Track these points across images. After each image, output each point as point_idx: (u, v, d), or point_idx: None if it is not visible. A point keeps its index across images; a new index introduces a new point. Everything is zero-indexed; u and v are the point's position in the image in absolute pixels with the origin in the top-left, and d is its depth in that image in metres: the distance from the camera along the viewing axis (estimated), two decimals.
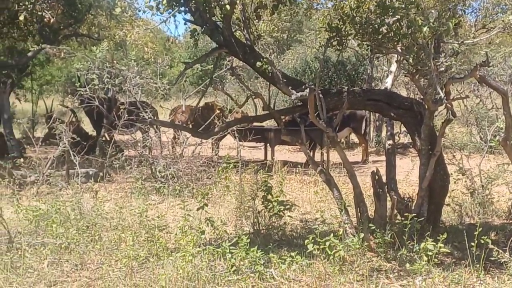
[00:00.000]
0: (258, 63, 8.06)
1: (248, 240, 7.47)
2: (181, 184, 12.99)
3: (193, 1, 7.89)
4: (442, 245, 7.06)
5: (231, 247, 7.35)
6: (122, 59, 15.61)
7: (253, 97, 10.14)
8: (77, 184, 12.13)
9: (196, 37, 8.26)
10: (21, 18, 12.04)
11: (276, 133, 17.92)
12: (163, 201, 12.29)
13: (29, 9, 9.37)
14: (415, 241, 7.74)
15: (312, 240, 7.33)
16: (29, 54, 20.09)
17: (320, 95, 8.06)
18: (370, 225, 8.12)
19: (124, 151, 16.27)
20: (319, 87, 8.10)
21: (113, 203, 11.13)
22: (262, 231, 9.39)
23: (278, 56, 27.27)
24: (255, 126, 17.47)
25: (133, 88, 14.68)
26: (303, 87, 8.06)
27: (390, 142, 9.15)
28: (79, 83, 15.88)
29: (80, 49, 23.24)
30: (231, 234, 9.12)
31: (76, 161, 13.47)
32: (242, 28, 8.80)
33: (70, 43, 23.38)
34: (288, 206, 9.34)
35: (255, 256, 7.17)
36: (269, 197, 9.33)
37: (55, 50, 15.71)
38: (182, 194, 12.41)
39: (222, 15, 8.32)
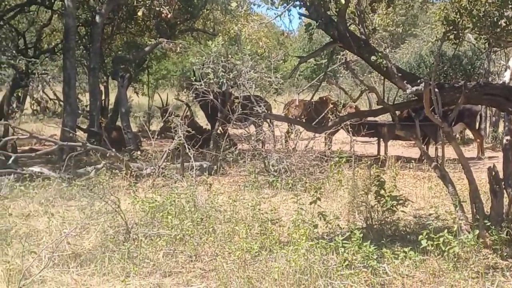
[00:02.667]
0: (373, 57, 7.98)
1: (361, 235, 7.42)
2: (294, 178, 13.00)
3: None
4: None
5: (343, 241, 7.32)
6: (237, 54, 15.71)
7: (367, 91, 10.08)
8: (192, 177, 12.33)
9: (310, 31, 8.24)
10: (139, 13, 12.35)
11: (389, 128, 17.78)
12: (276, 195, 12.34)
13: (147, 5, 9.55)
14: None
15: (426, 236, 7.26)
16: (146, 48, 20.60)
17: (436, 90, 7.93)
18: (486, 221, 7.96)
19: (238, 145, 16.43)
20: (435, 81, 7.97)
21: (227, 196, 11.21)
22: (375, 226, 9.34)
23: (393, 50, 26.93)
24: (369, 121, 17.36)
25: (247, 82, 14.79)
26: (419, 81, 7.96)
27: (508, 137, 8.91)
28: (194, 78, 16.10)
29: (195, 44, 23.63)
30: (343, 228, 9.08)
31: (191, 154, 13.68)
32: (356, 22, 8.75)
33: (185, 38, 23.75)
34: (401, 201, 9.24)
35: (368, 250, 7.12)
36: (382, 192, 9.25)
37: (171, 44, 16.03)
38: (295, 188, 12.38)
39: (337, 9, 8.29)
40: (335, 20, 8.37)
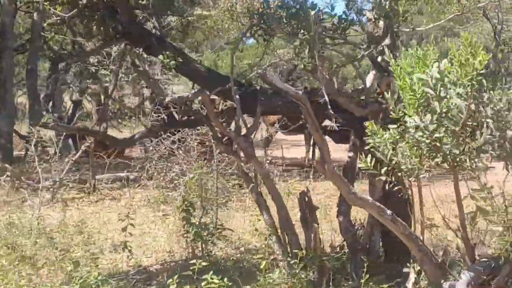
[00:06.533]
0: (160, 57, 6.62)
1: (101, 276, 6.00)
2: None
3: None
4: None
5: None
6: None
7: None
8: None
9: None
10: None
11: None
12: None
13: None
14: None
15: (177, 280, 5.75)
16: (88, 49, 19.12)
17: (237, 96, 6.50)
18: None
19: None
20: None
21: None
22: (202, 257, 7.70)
23: None
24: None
25: None
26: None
27: (351, 154, 7.34)
28: None
29: None
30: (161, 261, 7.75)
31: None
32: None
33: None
34: (218, 231, 7.69)
35: None
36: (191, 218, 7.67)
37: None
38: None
39: None
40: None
